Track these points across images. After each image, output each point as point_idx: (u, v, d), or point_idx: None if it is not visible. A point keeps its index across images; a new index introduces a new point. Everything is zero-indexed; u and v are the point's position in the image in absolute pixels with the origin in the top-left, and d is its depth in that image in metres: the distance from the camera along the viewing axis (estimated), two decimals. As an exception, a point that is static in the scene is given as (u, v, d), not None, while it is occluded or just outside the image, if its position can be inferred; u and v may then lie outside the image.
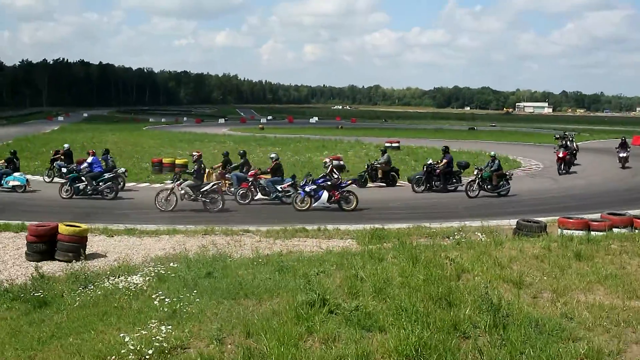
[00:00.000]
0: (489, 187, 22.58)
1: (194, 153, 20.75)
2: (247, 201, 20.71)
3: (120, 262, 12.11)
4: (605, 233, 13.33)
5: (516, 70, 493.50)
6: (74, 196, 21.50)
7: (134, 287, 9.17)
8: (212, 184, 19.85)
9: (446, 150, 24.46)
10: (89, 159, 22.52)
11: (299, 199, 19.78)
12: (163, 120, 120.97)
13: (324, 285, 8.37)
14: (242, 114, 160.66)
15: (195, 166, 19.67)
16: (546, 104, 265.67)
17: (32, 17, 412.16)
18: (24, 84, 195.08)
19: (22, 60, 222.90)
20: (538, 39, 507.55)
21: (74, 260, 12.39)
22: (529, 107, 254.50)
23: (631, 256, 10.49)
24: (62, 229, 13.06)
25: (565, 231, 13.86)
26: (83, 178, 21.60)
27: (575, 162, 32.77)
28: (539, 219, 15.42)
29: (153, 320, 7.30)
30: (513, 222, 15.53)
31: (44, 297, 9.34)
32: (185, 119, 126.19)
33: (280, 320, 7.07)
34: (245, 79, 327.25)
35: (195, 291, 8.60)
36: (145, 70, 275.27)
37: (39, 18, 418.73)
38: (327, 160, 22.84)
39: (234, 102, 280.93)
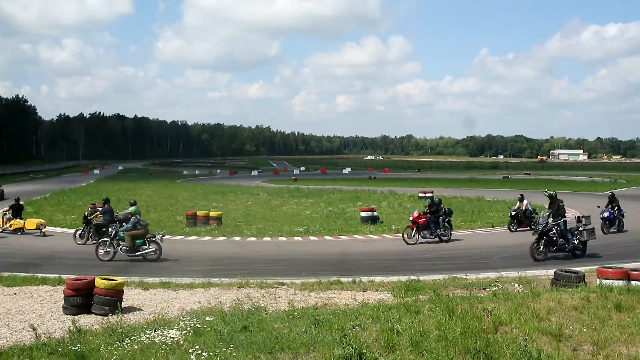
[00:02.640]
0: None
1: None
2: None
3: (156, 315, 12.12)
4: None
5: (550, 118, 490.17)
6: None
7: (171, 341, 9.17)
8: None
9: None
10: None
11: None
12: (197, 172, 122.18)
13: (360, 339, 8.31)
14: (275, 165, 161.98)
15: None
16: (581, 151, 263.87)
17: (69, 72, 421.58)
18: (61, 137, 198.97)
19: (60, 115, 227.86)
20: (571, 85, 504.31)
21: (110, 314, 12.44)
22: (563, 155, 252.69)
23: (674, 307, 10.28)
24: (99, 282, 13.15)
25: (604, 281, 13.61)
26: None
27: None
28: (577, 268, 15.18)
29: (190, 375, 7.30)
30: (550, 272, 15.28)
31: (82, 351, 9.36)
32: (218, 171, 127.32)
33: (317, 375, 7.04)
34: (278, 131, 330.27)
35: (231, 345, 8.58)
36: (179, 122, 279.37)
37: (75, 73, 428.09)
38: None
39: (267, 153, 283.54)
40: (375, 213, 29.36)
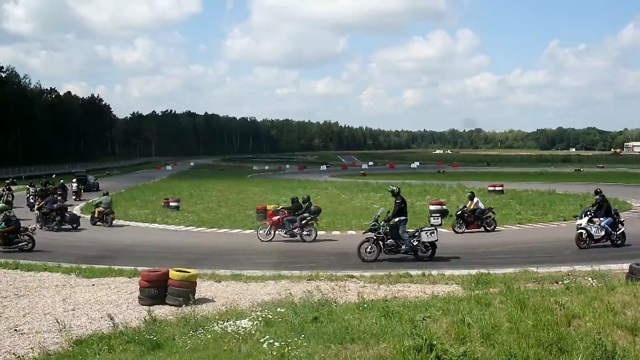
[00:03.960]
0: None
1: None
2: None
3: (228, 306, 12.34)
4: None
5: (623, 109, 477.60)
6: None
7: (243, 331, 9.33)
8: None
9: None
10: None
11: None
12: (266, 167, 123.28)
13: (431, 330, 8.31)
14: (343, 160, 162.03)
15: None
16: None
17: (141, 71, 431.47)
18: (135, 135, 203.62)
19: (133, 113, 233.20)
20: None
21: (183, 305, 12.72)
22: (638, 147, 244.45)
23: None
24: (173, 274, 13.47)
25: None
26: None
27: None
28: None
29: (262, 364, 7.45)
30: (625, 266, 14.91)
31: (157, 340, 9.62)
32: (287, 166, 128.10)
33: (387, 365, 7.07)
34: (346, 126, 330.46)
35: (302, 335, 8.69)
36: (248, 119, 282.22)
37: (147, 72, 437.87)
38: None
39: (335, 148, 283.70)
40: (444, 207, 29.08)
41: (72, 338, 10.53)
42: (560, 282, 13.75)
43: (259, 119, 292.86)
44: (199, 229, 27.80)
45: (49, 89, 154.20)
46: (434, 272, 15.89)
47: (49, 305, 13.60)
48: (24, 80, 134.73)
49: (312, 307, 10.80)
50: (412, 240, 18.76)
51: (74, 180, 51.06)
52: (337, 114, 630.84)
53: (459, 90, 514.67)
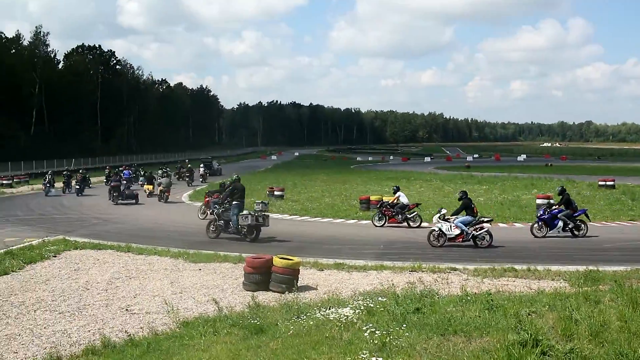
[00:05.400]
0: None
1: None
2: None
3: (330, 294, 12.43)
4: None
5: None
6: None
7: (344, 319, 9.38)
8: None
9: None
10: None
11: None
12: (370, 158, 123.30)
13: (536, 325, 8.09)
14: (447, 152, 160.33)
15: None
16: None
17: (248, 63, 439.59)
18: (241, 125, 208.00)
19: (240, 104, 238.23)
20: None
21: (286, 291, 12.92)
22: None
23: None
24: (277, 261, 13.67)
25: None
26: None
27: None
28: None
29: (364, 351, 7.46)
30: None
31: (260, 325, 9.81)
32: (391, 157, 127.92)
33: (491, 359, 6.95)
34: (451, 117, 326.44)
35: (404, 325, 8.66)
36: (352, 110, 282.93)
37: (254, 63, 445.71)
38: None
39: (440, 140, 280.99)
40: (552, 201, 28.26)
41: (179, 319, 10.89)
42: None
43: (363, 110, 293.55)
44: (302, 217, 28.12)
45: (160, 80, 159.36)
46: (540, 267, 15.48)
47: (157, 287, 14.10)
48: (137, 72, 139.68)
49: (414, 298, 10.73)
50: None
51: (201, 165, 60.06)
52: (442, 105, 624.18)
53: (569, 81, 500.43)
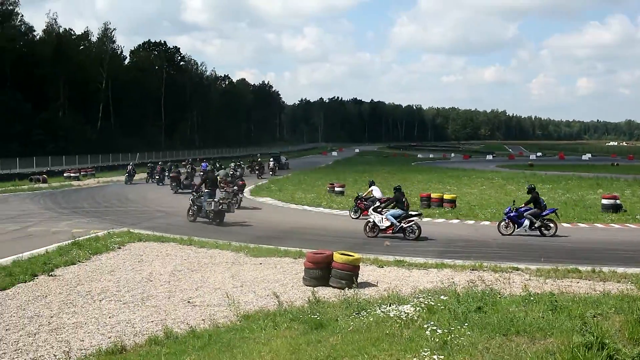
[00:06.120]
0: None
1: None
2: None
3: (390, 291, 12.37)
4: None
5: None
6: None
7: (405, 317, 9.33)
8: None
9: None
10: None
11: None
12: (431, 156, 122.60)
13: (602, 328, 7.90)
14: (510, 150, 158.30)
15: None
16: None
17: (310, 59, 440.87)
18: (302, 121, 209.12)
19: (301, 99, 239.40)
20: None
21: (346, 287, 12.91)
22: None
23: None
24: (337, 257, 13.67)
25: None
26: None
27: None
28: None
29: (425, 349, 7.41)
30: None
31: (320, 320, 9.82)
32: (452, 154, 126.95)
33: (555, 361, 6.84)
34: (514, 115, 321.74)
35: (465, 324, 8.57)
36: (414, 106, 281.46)
37: (315, 60, 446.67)
38: None
39: (502, 138, 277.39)
40: (618, 201, 27.63)
41: (239, 312, 11.00)
42: None
43: (424, 107, 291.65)
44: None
45: (222, 75, 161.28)
46: (605, 269, 15.12)
47: (219, 280, 14.27)
48: (200, 67, 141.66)
49: (475, 297, 10.62)
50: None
51: (271, 159, 64.00)
52: (505, 102, 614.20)
53: (637, 78, 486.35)
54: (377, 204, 22.95)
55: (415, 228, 20.94)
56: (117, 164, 69.03)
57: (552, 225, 21.78)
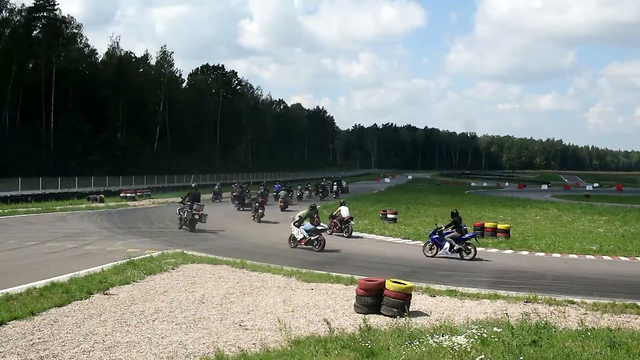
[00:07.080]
0: None
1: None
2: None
3: (443, 321, 12.26)
4: None
5: None
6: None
7: (458, 348, 9.24)
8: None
9: None
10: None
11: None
12: (485, 184, 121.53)
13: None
14: (566, 180, 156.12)
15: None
16: None
17: (364, 84, 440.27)
18: (356, 146, 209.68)
19: (355, 125, 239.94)
20: None
21: (398, 316, 12.83)
22: None
23: None
24: (389, 285, 13.60)
25: None
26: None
27: None
28: None
29: (478, 382, 7.33)
30: None
31: (372, 348, 9.78)
32: (507, 184, 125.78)
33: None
34: (570, 144, 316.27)
35: (520, 358, 8.45)
36: (468, 134, 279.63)
37: (370, 85, 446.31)
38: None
39: (558, 167, 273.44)
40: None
41: (291, 338, 11.00)
42: None
43: (479, 134, 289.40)
44: (415, 242, 27.86)
45: (277, 100, 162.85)
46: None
47: (270, 304, 14.31)
48: (256, 91, 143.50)
49: (530, 330, 10.46)
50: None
51: (334, 183, 68.95)
52: (561, 131, 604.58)
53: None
54: (344, 221, 29.42)
55: (471, 248, 22.62)
56: (172, 185, 70.06)
57: (471, 248, 22.80)
